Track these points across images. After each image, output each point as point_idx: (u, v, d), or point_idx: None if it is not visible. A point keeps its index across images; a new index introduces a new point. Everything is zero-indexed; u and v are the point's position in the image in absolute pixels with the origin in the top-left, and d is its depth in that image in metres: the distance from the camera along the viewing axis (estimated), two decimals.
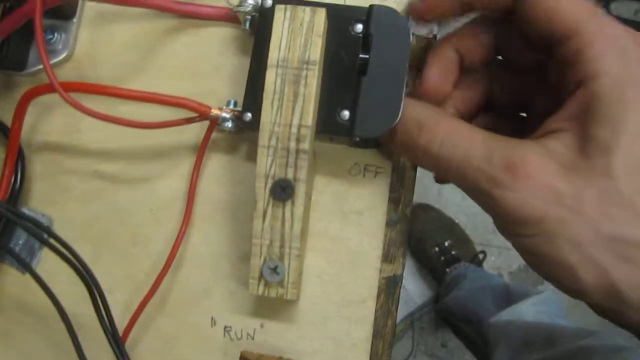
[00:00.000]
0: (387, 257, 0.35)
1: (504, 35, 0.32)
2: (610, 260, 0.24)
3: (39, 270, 0.32)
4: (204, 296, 0.35)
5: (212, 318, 0.35)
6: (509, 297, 1.03)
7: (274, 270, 0.31)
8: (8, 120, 0.35)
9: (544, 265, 0.26)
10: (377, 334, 0.35)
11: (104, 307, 0.33)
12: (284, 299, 0.33)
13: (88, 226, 0.36)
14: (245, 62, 0.33)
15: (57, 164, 0.37)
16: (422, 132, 0.29)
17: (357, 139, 0.33)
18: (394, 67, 0.32)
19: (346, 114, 0.32)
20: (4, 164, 0.35)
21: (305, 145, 0.30)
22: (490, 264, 1.34)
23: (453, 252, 1.32)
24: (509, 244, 0.28)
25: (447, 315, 1.25)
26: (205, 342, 0.35)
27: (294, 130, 0.30)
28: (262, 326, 0.35)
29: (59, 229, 0.36)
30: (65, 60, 0.37)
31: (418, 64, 0.35)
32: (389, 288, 0.35)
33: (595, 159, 0.25)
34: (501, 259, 1.37)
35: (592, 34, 0.27)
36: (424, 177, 1.32)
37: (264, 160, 0.31)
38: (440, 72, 0.33)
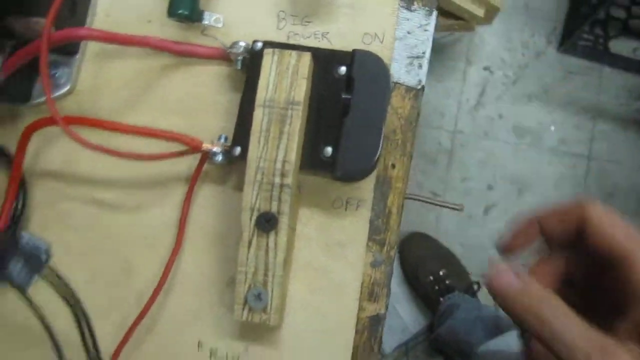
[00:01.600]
0: (371, 296, 0.37)
1: (568, 264, 0.36)
2: None
3: (34, 290, 0.34)
4: (192, 320, 0.37)
5: (199, 342, 0.37)
6: (498, 326, 1.03)
7: (258, 297, 0.33)
8: (12, 148, 0.37)
9: None
10: None
11: (91, 337, 0.34)
12: (267, 325, 0.34)
13: (84, 251, 0.38)
14: (237, 99, 0.36)
15: (57, 192, 0.39)
16: (548, 307, 0.32)
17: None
18: (374, 110, 0.34)
19: (329, 150, 0.34)
20: (6, 191, 0.37)
21: (289, 180, 0.32)
22: (484, 295, 1.35)
23: (447, 282, 1.33)
24: None
25: (441, 346, 1.26)
26: None
27: (279, 165, 0.32)
28: (246, 350, 0.37)
29: (56, 254, 0.38)
30: (68, 93, 0.39)
31: None
32: (372, 326, 0.37)
33: None
34: None
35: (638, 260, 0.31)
36: (420, 207, 1.34)
37: (250, 194, 0.33)
38: None
